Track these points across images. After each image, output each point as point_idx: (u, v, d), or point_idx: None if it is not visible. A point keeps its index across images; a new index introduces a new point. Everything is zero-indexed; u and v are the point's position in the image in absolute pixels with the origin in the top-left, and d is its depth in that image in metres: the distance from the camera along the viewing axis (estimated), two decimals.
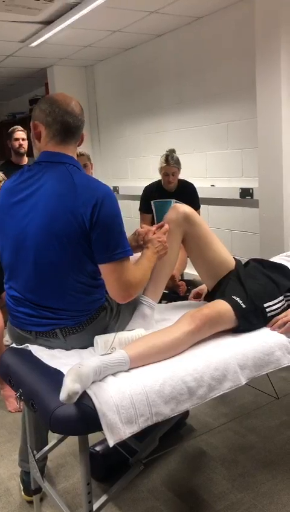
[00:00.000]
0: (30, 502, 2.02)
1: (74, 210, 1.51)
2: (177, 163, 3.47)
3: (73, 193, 1.52)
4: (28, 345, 1.67)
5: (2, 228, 1.66)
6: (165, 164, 3.44)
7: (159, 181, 3.61)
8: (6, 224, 1.64)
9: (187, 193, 3.48)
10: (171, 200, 3.47)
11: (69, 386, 1.26)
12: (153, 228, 1.85)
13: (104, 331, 1.68)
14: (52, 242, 1.54)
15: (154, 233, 1.82)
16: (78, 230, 1.52)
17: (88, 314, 1.65)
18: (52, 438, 1.86)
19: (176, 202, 1.94)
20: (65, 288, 1.58)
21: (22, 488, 2.08)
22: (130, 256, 1.60)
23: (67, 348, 1.66)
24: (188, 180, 3.65)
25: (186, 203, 2.02)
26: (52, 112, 1.60)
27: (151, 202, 3.60)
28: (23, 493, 2.07)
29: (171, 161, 3.43)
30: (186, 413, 2.44)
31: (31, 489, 1.94)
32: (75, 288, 1.59)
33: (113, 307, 1.73)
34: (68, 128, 1.62)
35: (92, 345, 1.64)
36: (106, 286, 1.63)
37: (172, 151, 3.50)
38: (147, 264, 1.73)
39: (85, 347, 1.67)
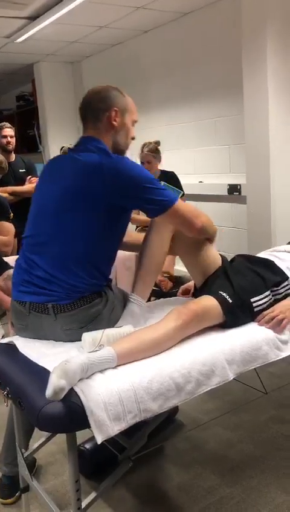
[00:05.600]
0: (4, 504, 2.03)
1: (91, 184, 1.63)
2: (153, 151, 3.51)
3: (94, 168, 1.65)
4: (13, 340, 1.66)
5: (40, 187, 1.83)
6: (140, 151, 3.50)
7: None
8: (45, 182, 1.81)
9: (169, 182, 3.48)
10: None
11: (55, 382, 1.25)
12: None
13: (96, 319, 1.66)
14: (74, 204, 1.65)
15: None
16: (99, 197, 1.62)
17: (82, 293, 1.64)
18: (41, 436, 1.85)
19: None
20: (70, 254, 1.65)
21: None
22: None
23: (56, 330, 1.65)
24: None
25: None
26: None
27: None
28: None
29: (145, 149, 3.48)
30: (175, 410, 2.44)
31: (6, 493, 2.02)
32: (79, 259, 1.65)
33: (109, 299, 1.72)
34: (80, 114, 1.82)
35: (80, 328, 1.63)
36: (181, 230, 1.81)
37: (156, 142, 3.56)
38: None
39: (75, 331, 1.64)
